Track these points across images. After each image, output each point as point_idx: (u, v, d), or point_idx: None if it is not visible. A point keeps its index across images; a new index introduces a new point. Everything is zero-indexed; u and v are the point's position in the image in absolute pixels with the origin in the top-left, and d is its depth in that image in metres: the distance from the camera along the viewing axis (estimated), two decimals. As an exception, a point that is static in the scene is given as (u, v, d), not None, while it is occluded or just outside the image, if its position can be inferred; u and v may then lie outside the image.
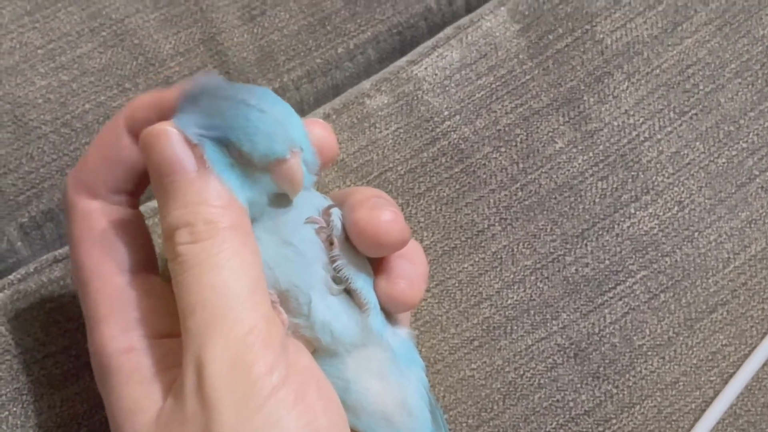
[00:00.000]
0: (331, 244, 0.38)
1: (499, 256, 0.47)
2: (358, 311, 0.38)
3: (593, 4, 0.50)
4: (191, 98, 0.37)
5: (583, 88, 0.49)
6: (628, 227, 0.48)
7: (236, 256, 0.36)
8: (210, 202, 0.36)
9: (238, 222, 0.36)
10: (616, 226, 0.48)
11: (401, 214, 0.38)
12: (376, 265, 0.39)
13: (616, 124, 0.49)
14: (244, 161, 0.36)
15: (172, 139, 0.36)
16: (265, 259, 0.37)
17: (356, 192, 0.40)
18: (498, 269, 0.47)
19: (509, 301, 0.47)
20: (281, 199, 0.38)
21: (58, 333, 0.45)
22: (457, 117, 0.49)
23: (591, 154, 0.48)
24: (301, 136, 0.37)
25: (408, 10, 0.52)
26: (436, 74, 0.49)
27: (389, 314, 0.39)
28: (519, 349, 0.46)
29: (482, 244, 0.47)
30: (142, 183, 0.40)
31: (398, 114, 0.49)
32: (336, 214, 0.39)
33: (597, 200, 0.48)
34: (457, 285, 0.47)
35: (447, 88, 0.49)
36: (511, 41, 0.50)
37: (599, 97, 0.49)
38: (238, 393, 0.34)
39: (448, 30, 0.50)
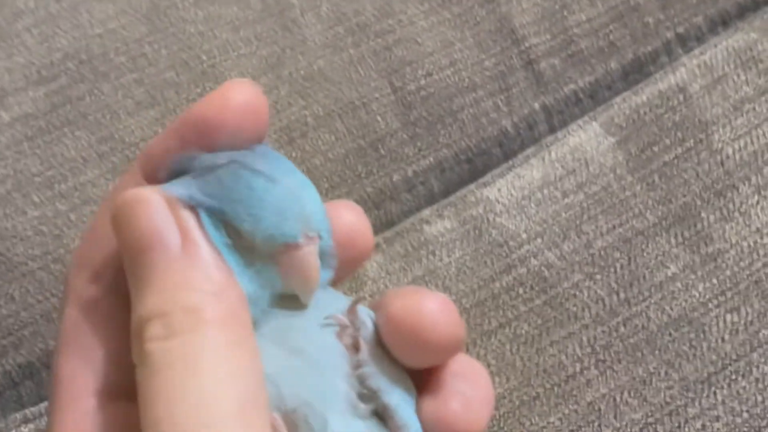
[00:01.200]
0: (357, 348, 0.28)
1: (596, 408, 0.36)
2: (392, 440, 0.27)
3: (707, 111, 0.41)
4: (184, 163, 0.28)
5: (700, 204, 0.39)
6: (772, 369, 0.37)
7: (223, 358, 0.25)
8: (195, 286, 0.26)
9: (231, 313, 0.26)
10: (753, 369, 0.37)
11: (453, 305, 0.28)
12: (422, 383, 0.29)
13: (746, 244, 0.38)
14: (244, 245, 0.27)
15: (154, 207, 0.27)
16: (267, 374, 0.26)
17: (393, 290, 0.30)
18: (596, 424, 0.36)
19: (613, 465, 0.35)
20: (289, 301, 0.28)
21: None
22: (539, 240, 0.38)
23: (715, 280, 0.38)
24: (319, 218, 0.28)
25: (479, 133, 0.43)
26: (512, 194, 0.40)
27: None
28: None
29: (574, 393, 0.36)
30: None
31: (463, 239, 0.39)
32: (364, 311, 0.29)
33: (727, 337, 0.37)
34: (540, 443, 0.36)
35: (525, 209, 0.39)
36: (605, 155, 0.40)
37: (722, 214, 0.39)
38: None
39: (528, 150, 0.41)
